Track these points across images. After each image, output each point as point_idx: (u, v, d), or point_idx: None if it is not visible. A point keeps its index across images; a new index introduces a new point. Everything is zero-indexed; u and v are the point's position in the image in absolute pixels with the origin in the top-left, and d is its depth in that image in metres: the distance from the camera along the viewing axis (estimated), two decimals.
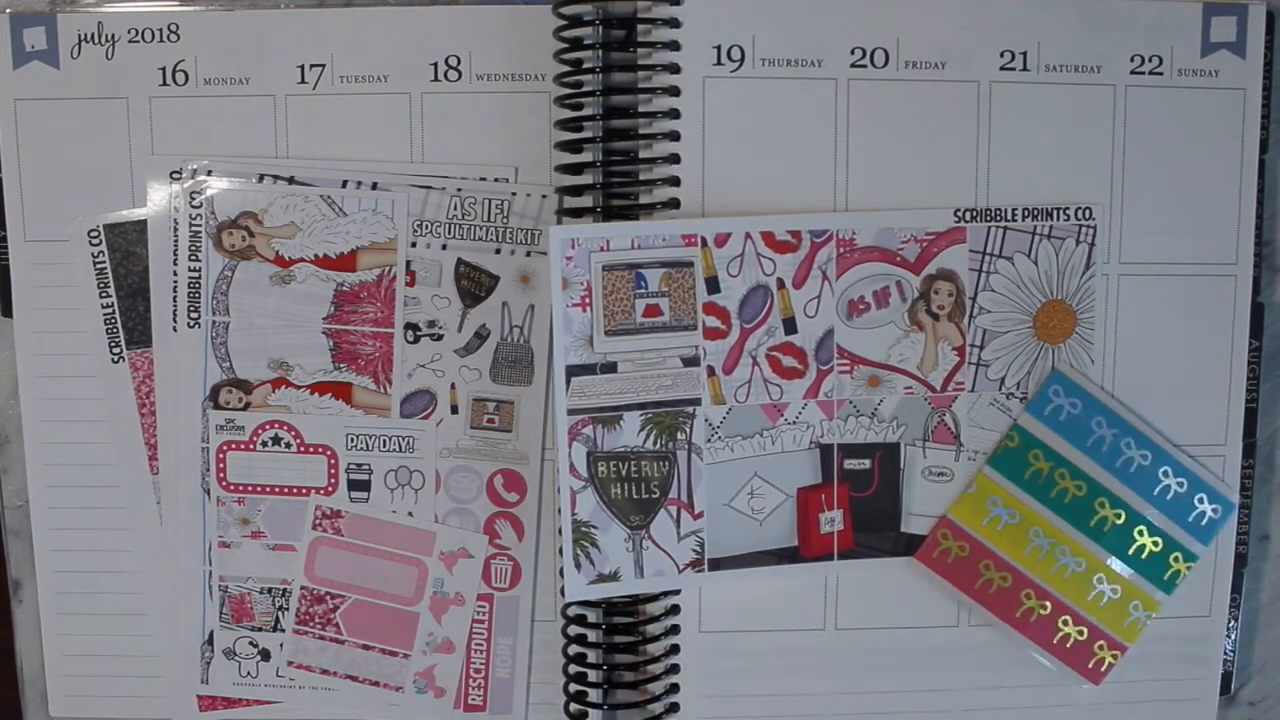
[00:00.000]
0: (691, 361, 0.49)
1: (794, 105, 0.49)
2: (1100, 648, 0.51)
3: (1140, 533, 0.51)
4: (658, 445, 0.49)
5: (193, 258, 0.50)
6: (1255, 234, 0.51)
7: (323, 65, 0.49)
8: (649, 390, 0.48)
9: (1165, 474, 0.51)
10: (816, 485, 0.50)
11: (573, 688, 0.50)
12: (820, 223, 0.49)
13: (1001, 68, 0.49)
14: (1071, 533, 0.50)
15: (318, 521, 0.51)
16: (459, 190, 0.50)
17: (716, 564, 0.50)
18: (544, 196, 0.50)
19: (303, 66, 0.49)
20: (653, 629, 0.50)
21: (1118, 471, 0.50)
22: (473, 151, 0.50)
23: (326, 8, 0.50)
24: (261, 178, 0.50)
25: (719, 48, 0.48)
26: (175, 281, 0.50)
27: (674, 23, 0.48)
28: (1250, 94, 0.50)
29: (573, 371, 0.48)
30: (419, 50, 0.49)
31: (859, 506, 0.50)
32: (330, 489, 0.51)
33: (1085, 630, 0.51)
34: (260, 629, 0.52)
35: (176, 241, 0.50)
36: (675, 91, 0.48)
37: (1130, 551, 0.51)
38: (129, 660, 0.52)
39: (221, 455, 0.51)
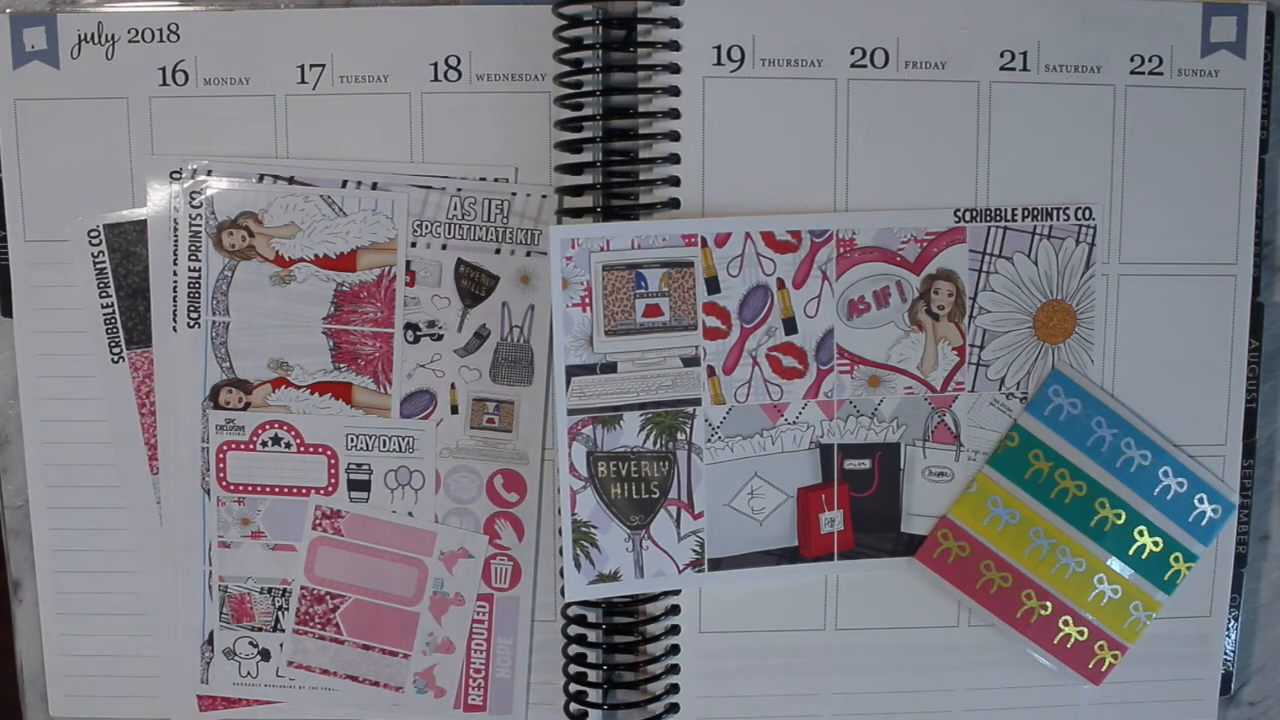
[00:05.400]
0: (691, 361, 0.49)
1: (794, 105, 0.49)
2: (1101, 648, 0.51)
3: (1140, 533, 0.51)
4: (658, 445, 0.49)
5: (193, 258, 0.50)
6: (1255, 234, 0.51)
7: (323, 65, 0.49)
8: (649, 390, 0.48)
9: (1165, 474, 0.51)
10: (817, 485, 0.50)
11: (573, 688, 0.50)
12: (820, 223, 0.49)
13: (1001, 68, 0.49)
14: (1072, 533, 0.50)
15: (318, 521, 0.51)
16: (459, 190, 0.50)
17: (716, 564, 0.50)
18: (544, 196, 0.50)
19: (303, 66, 0.49)
20: (653, 629, 0.50)
21: (1118, 471, 0.50)
22: (473, 151, 0.50)
23: (326, 8, 0.50)
24: (261, 178, 0.50)
25: (719, 48, 0.48)
26: (175, 281, 0.50)
27: (674, 23, 0.48)
28: (1250, 94, 0.50)
29: (573, 371, 0.48)
30: (419, 50, 0.49)
31: (859, 506, 0.50)
32: (330, 489, 0.51)
33: (1086, 630, 0.51)
34: (260, 629, 0.52)
35: (176, 241, 0.50)
36: (675, 91, 0.48)
37: (1130, 551, 0.51)
38: (129, 660, 0.52)
39: (221, 455, 0.51)
